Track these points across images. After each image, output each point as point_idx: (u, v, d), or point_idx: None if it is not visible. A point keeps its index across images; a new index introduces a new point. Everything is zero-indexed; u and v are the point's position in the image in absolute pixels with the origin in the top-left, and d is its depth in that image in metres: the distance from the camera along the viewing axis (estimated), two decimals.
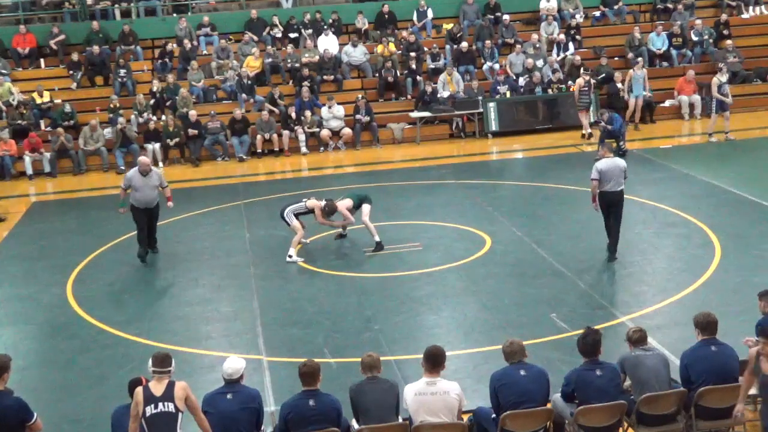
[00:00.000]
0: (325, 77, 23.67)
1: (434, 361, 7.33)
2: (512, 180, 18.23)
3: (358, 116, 22.24)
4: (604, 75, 23.39)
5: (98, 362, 10.37)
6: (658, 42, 24.66)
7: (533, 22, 25.92)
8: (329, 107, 22.18)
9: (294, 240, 13.65)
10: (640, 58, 23.40)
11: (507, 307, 11.28)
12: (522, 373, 7.36)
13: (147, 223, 14.17)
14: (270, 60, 23.92)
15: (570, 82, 22.83)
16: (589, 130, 21.73)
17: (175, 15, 25.97)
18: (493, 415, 7.43)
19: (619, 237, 12.75)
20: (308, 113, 22.09)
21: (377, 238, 13.71)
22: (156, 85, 22.94)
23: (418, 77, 23.74)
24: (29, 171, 20.91)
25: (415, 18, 25.71)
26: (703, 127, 22.41)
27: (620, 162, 12.88)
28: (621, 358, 7.65)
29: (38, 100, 22.48)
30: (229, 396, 7.33)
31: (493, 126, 22.63)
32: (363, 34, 25.39)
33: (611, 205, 12.65)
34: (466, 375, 9.08)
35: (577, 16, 25.57)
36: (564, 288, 11.76)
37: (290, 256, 13.53)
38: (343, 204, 13.93)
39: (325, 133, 22.02)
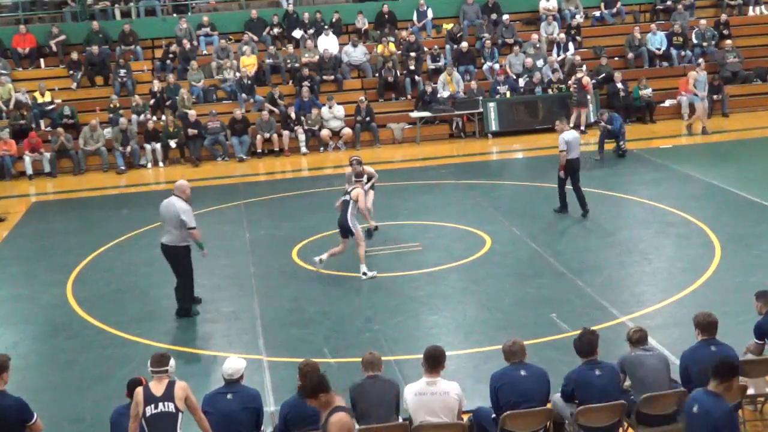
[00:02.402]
0: (325, 77, 23.67)
1: (434, 362, 7.32)
2: (512, 180, 18.23)
3: (359, 117, 22.29)
4: (604, 75, 23.41)
5: (98, 362, 10.36)
6: (655, 42, 24.67)
7: (533, 22, 25.94)
8: (329, 107, 22.19)
9: (361, 254, 12.61)
10: (701, 60, 23.18)
11: (507, 307, 11.28)
12: (522, 373, 7.36)
13: None
14: (270, 60, 23.93)
15: (570, 82, 22.87)
16: (581, 127, 21.97)
17: (175, 15, 25.98)
18: (493, 415, 7.43)
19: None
20: (315, 111, 22.11)
21: (374, 224, 13.64)
22: (156, 85, 22.95)
23: (417, 77, 23.75)
24: (29, 171, 20.91)
25: (415, 18, 25.71)
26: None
27: (577, 133, 15.46)
28: (621, 358, 7.65)
29: (39, 99, 22.48)
30: (229, 396, 7.33)
31: (493, 126, 22.64)
32: (363, 34, 25.40)
33: (574, 171, 14.93)
34: (466, 375, 9.08)
35: (577, 16, 25.58)
36: (564, 288, 11.75)
37: (365, 274, 12.49)
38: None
39: (325, 133, 22.03)
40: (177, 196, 11.41)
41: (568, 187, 15.15)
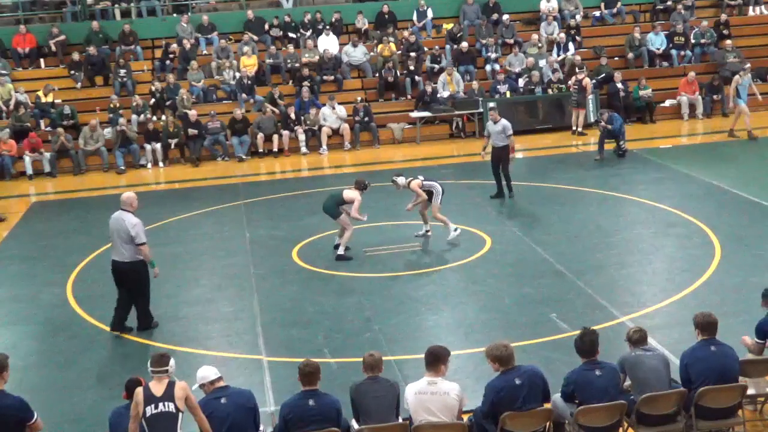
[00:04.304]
0: (325, 77, 23.68)
1: (435, 360, 7.33)
2: (512, 180, 18.20)
3: (357, 117, 22.30)
4: (604, 75, 23.42)
5: (98, 362, 10.37)
6: (656, 41, 24.68)
7: (533, 22, 25.95)
8: (333, 108, 22.13)
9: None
10: (748, 64, 22.59)
11: (507, 307, 11.28)
12: (517, 382, 7.28)
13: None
14: (270, 60, 23.94)
15: (570, 83, 22.87)
16: (578, 129, 22.06)
17: (175, 15, 25.99)
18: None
19: None
20: (313, 111, 22.11)
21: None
22: (156, 85, 22.95)
23: (417, 77, 23.75)
24: (29, 171, 20.91)
25: (415, 18, 25.72)
26: (704, 127, 22.45)
27: None
28: (621, 358, 7.65)
29: (43, 99, 22.47)
30: (223, 400, 7.28)
31: None
32: (363, 34, 25.40)
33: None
34: (466, 375, 9.08)
35: (577, 16, 25.59)
36: (564, 288, 11.75)
37: (456, 229, 13.85)
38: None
39: (326, 129, 21.98)
40: (124, 209, 10.80)
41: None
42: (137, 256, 10.77)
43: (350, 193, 13.50)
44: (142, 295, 11.04)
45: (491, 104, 17.99)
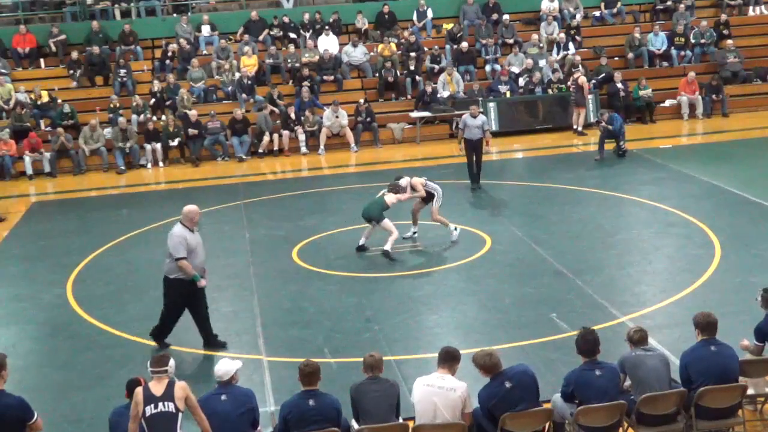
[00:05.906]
0: (325, 77, 23.68)
1: (446, 359, 7.37)
2: (512, 180, 18.22)
3: (359, 118, 22.29)
4: (604, 75, 23.42)
5: (98, 362, 10.36)
6: (656, 42, 24.69)
7: (533, 22, 25.95)
8: (336, 115, 22.07)
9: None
10: None
11: (507, 307, 11.27)
12: (507, 385, 7.29)
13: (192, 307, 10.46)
14: (270, 60, 23.94)
15: (569, 83, 22.88)
16: (577, 128, 22.10)
17: (175, 15, 25.99)
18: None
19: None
20: (308, 113, 22.08)
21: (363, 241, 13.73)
22: (156, 85, 22.95)
23: (417, 77, 23.75)
24: (29, 171, 20.90)
25: (415, 18, 25.72)
26: (704, 127, 22.44)
27: None
28: (621, 358, 7.65)
29: (38, 101, 22.46)
30: (223, 397, 7.31)
31: (493, 126, 22.59)
32: (363, 34, 25.40)
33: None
34: (465, 375, 9.04)
35: (578, 16, 25.59)
36: (564, 288, 11.75)
37: (456, 228, 13.89)
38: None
39: (326, 130, 21.95)
40: (181, 222, 10.18)
41: None
42: (173, 272, 10.13)
43: (392, 198, 13.60)
44: (165, 308, 10.51)
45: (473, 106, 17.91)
